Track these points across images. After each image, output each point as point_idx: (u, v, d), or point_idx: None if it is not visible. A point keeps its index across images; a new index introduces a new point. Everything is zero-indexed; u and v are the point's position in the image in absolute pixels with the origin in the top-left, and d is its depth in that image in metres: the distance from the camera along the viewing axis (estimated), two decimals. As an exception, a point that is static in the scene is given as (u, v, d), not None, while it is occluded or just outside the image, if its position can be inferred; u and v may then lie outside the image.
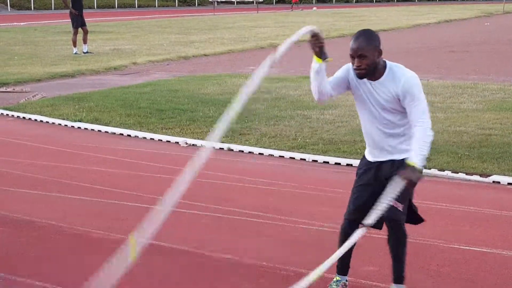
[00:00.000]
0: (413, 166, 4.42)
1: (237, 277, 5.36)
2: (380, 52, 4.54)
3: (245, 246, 6.06)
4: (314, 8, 62.78)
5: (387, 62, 4.63)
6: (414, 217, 4.93)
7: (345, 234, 4.80)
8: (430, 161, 8.76)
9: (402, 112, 4.62)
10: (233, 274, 5.44)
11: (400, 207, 4.64)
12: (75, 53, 23.11)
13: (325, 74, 4.66)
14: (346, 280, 4.97)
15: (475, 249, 5.92)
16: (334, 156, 9.14)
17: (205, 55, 23.52)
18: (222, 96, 14.22)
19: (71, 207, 7.20)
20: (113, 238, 6.18)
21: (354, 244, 4.75)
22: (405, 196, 4.66)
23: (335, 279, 4.96)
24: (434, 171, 8.43)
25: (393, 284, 4.87)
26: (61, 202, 7.38)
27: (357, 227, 4.72)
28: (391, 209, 4.59)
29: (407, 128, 4.66)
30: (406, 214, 4.75)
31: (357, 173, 4.95)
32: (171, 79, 17.31)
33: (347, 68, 4.74)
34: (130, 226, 6.42)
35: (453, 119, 11.41)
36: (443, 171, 8.44)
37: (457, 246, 5.99)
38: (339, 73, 4.77)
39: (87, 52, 23.35)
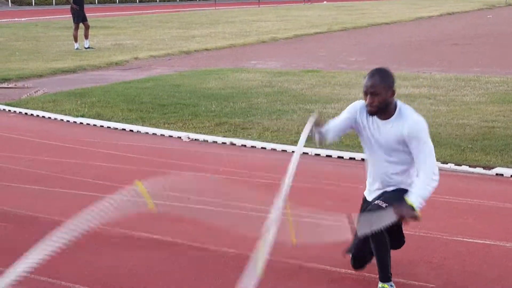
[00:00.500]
0: (411, 205, 4.48)
1: (242, 271, 5.35)
2: (393, 92, 4.65)
3: (247, 240, 6.04)
4: (325, 2, 62.63)
5: (399, 102, 4.73)
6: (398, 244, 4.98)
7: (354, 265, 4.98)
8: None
9: (404, 153, 4.72)
10: (239, 269, 5.42)
11: (383, 204, 4.68)
12: (77, 49, 23.10)
13: (328, 135, 4.95)
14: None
15: (478, 241, 5.90)
16: (337, 150, 9.12)
17: (206, 49, 23.49)
18: (224, 90, 14.20)
19: (73, 203, 7.19)
20: (115, 232, 6.17)
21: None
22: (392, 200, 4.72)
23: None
24: (437, 164, 8.40)
25: (380, 283, 4.83)
26: (64, 198, 7.38)
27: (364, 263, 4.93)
28: (374, 206, 4.71)
29: (408, 171, 4.80)
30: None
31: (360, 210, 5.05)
32: (173, 74, 17.29)
33: (355, 109, 4.85)
34: (132, 221, 6.41)
35: (456, 112, 11.38)
36: (446, 163, 8.43)
37: (461, 239, 5.98)
38: (346, 114, 4.90)
39: (88, 48, 23.33)
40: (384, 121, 4.69)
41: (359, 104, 4.85)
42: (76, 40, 23.25)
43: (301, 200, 7.19)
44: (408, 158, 4.75)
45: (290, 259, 5.50)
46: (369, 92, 4.60)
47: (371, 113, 4.67)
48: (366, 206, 4.89)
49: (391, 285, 4.78)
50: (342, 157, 8.90)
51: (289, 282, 5.13)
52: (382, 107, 4.62)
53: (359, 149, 8.84)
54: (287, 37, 27.55)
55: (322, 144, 4.99)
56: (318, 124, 4.90)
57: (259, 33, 28.84)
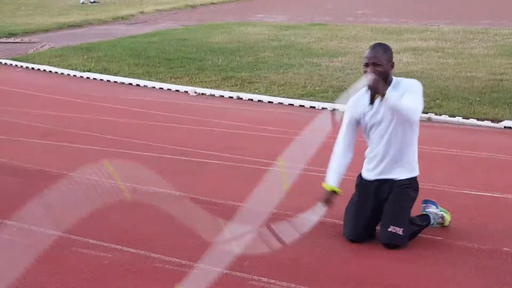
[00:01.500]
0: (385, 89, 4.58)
1: (245, 223, 5.37)
2: (392, 65, 4.79)
3: (255, 194, 6.05)
4: None
5: (394, 77, 4.84)
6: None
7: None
8: (440, 107, 8.73)
9: (411, 126, 4.80)
10: (245, 222, 5.44)
11: (399, 231, 4.75)
12: (82, 3, 22.98)
13: (342, 172, 4.98)
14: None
15: (486, 194, 5.91)
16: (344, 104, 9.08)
17: (212, 3, 23.35)
18: (231, 44, 14.13)
19: (81, 157, 7.21)
20: (123, 186, 6.18)
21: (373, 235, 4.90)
22: (405, 218, 4.80)
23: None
24: (445, 117, 8.39)
25: None
26: (71, 152, 7.39)
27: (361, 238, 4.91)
28: (390, 235, 4.76)
29: (411, 140, 4.86)
30: (408, 235, 4.84)
31: (356, 191, 5.06)
32: (179, 28, 17.20)
33: (349, 109, 4.95)
34: (140, 175, 6.43)
35: (464, 64, 11.32)
36: (454, 117, 8.40)
37: (468, 192, 5.98)
38: (346, 119, 4.98)
39: (94, 2, 23.20)
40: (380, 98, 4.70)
41: (351, 102, 4.95)
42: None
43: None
44: (412, 136, 4.85)
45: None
46: (371, 62, 4.68)
47: (377, 91, 4.67)
48: (366, 189, 4.96)
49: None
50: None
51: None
52: (382, 78, 4.67)
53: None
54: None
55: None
56: (329, 201, 4.95)
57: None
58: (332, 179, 4.95)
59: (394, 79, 4.81)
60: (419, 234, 4.94)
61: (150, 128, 8.33)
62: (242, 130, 8.18)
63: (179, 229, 5.19)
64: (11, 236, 5.10)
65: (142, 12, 20.62)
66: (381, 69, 4.66)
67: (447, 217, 5.13)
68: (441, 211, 5.12)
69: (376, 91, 4.64)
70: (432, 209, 5.12)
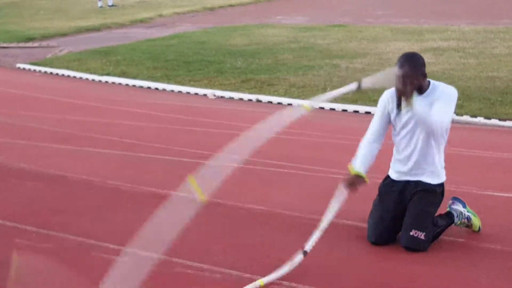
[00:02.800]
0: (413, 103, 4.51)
1: (268, 227, 5.33)
2: (425, 76, 4.66)
3: (275, 196, 6.02)
4: None
5: (431, 81, 4.75)
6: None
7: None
8: (462, 108, 8.65)
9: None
10: (264, 224, 5.41)
11: (421, 235, 4.69)
12: (101, 7, 23.05)
13: (368, 162, 4.86)
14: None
15: (508, 195, 5.84)
16: (364, 105, 9.03)
17: (231, 5, 23.35)
18: (250, 47, 14.10)
19: (101, 161, 7.20)
20: (142, 191, 6.17)
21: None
22: (427, 222, 4.75)
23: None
24: (466, 118, 8.32)
25: None
26: (91, 157, 7.39)
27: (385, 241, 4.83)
28: (411, 239, 4.70)
29: (439, 146, 4.82)
30: (431, 238, 4.80)
31: (379, 191, 5.00)
32: (198, 31, 17.20)
33: (384, 102, 4.85)
34: (159, 179, 6.41)
35: (485, 64, 11.22)
36: (476, 117, 8.33)
37: (491, 193, 5.91)
38: (378, 112, 4.89)
39: (112, 5, 23.27)
40: (418, 97, 4.63)
41: (386, 95, 4.86)
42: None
43: (328, 156, 7.15)
44: (438, 139, 4.77)
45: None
46: (402, 81, 4.56)
47: (406, 97, 4.60)
48: (390, 187, 4.92)
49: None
50: (370, 113, 8.81)
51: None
52: (415, 91, 4.61)
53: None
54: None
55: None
56: (353, 186, 4.79)
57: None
58: (358, 164, 4.83)
59: (432, 84, 4.71)
60: (442, 236, 4.89)
61: (169, 132, 8.31)
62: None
63: (200, 233, 5.16)
64: (30, 241, 5.09)
65: (160, 15, 20.65)
66: (412, 86, 4.56)
67: (476, 221, 5.03)
68: (468, 211, 5.04)
69: (404, 95, 4.58)
70: (458, 207, 5.05)
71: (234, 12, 21.72)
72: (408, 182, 4.85)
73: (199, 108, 9.50)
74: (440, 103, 4.60)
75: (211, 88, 10.59)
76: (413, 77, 4.55)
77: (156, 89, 10.86)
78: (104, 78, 11.68)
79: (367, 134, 4.94)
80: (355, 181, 4.79)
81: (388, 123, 4.90)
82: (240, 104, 9.70)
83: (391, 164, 5.00)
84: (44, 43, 16.02)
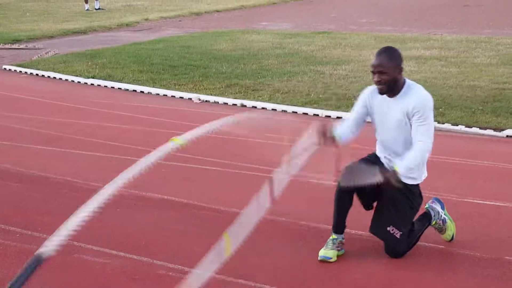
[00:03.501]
0: (396, 172, 4.52)
1: (252, 232, 5.39)
2: (400, 70, 4.68)
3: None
4: None
5: (407, 80, 4.76)
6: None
7: (339, 199, 4.87)
8: (443, 116, 8.74)
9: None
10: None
11: (397, 234, 4.75)
12: (87, 10, 23.04)
13: (343, 137, 4.85)
14: (343, 238, 4.96)
15: (489, 203, 5.92)
16: (348, 112, 9.10)
17: (217, 11, 23.39)
18: (235, 52, 14.16)
19: (85, 163, 7.24)
20: (126, 193, 6.21)
21: (349, 208, 4.83)
22: (405, 223, 4.79)
23: (331, 237, 4.94)
24: (447, 126, 8.41)
25: None
26: (75, 158, 7.42)
27: (351, 194, 4.83)
28: (388, 234, 4.76)
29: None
30: (408, 244, 4.85)
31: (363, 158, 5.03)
32: (184, 35, 17.25)
33: (365, 96, 4.87)
34: (143, 181, 6.45)
35: (467, 73, 11.34)
36: (457, 125, 8.42)
37: (471, 200, 5.99)
38: (359, 104, 4.90)
39: (99, 9, 23.27)
40: (393, 99, 4.71)
41: (368, 90, 4.90)
42: (86, 1, 23.18)
43: (311, 161, 7.21)
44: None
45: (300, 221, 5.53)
46: (377, 71, 4.63)
47: (380, 91, 4.70)
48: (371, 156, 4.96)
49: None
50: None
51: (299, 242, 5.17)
52: (390, 85, 4.66)
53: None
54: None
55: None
56: (323, 133, 4.79)
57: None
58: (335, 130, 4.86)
59: (407, 85, 4.72)
60: (422, 242, 4.95)
61: (154, 135, 8.35)
62: (244, 137, 8.20)
63: (182, 235, 5.21)
64: (14, 242, 5.12)
65: (146, 19, 20.67)
66: (387, 77, 4.61)
67: (451, 226, 5.08)
68: (445, 214, 5.11)
69: (381, 92, 4.65)
70: (436, 207, 5.11)
71: (220, 17, 21.78)
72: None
73: (183, 112, 9.55)
74: (418, 129, 4.61)
75: (196, 92, 10.64)
76: (389, 67, 4.58)
77: (142, 92, 10.90)
78: (89, 81, 11.70)
79: (344, 122, 4.97)
80: (325, 131, 4.78)
81: (365, 119, 4.92)
82: (225, 109, 9.75)
83: (377, 146, 5.02)
84: (30, 45, 16.02)
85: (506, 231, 5.31)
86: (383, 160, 4.94)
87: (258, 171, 6.86)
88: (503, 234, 5.26)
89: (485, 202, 5.93)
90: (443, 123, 8.47)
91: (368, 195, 4.85)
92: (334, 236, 4.93)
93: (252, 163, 7.10)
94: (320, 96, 10.08)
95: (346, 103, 9.57)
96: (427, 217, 5.02)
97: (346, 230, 4.94)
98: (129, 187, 6.18)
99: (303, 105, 9.64)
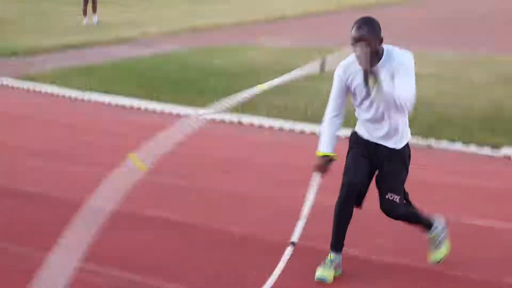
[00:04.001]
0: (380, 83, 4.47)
1: (248, 249, 5.39)
2: (381, 40, 4.66)
3: (256, 218, 6.08)
4: None
5: (385, 46, 4.73)
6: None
7: (340, 208, 4.89)
8: (440, 134, 8.75)
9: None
10: (245, 247, 5.46)
11: (396, 198, 4.78)
12: (86, 24, 23.05)
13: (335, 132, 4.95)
14: (340, 258, 4.95)
15: (484, 222, 5.92)
16: (345, 129, 9.10)
17: (215, 26, 23.41)
18: (233, 68, 14.19)
19: (84, 179, 7.23)
20: (120, 209, 6.20)
21: (348, 223, 4.86)
22: (401, 187, 4.83)
23: (329, 257, 4.94)
24: (444, 144, 8.42)
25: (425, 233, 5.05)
26: (72, 174, 7.41)
27: (353, 200, 4.85)
28: (387, 202, 4.78)
29: (402, 111, 4.70)
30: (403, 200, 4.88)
31: (350, 145, 5.02)
32: (182, 51, 17.27)
33: (340, 76, 4.88)
34: (138, 198, 6.44)
35: (464, 91, 11.36)
36: (454, 144, 8.42)
37: (468, 220, 5.99)
38: (335, 86, 4.96)
39: (97, 23, 23.28)
40: (373, 68, 4.60)
41: (340, 68, 4.87)
42: (85, 15, 23.19)
43: (309, 179, 7.22)
44: (401, 110, 4.70)
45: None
46: (357, 43, 4.58)
47: (370, 71, 4.60)
48: (361, 141, 4.95)
49: None
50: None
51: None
52: (371, 57, 4.58)
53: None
54: (296, 15, 27.42)
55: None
56: (322, 168, 4.92)
57: (268, 10, 28.72)
58: (323, 146, 4.91)
59: (386, 50, 4.69)
60: (417, 264, 4.94)
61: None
62: (242, 153, 8.20)
63: (176, 255, 5.20)
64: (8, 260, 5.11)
65: (145, 34, 20.67)
66: (368, 49, 4.55)
67: (444, 249, 5.08)
68: (444, 237, 5.10)
69: (365, 65, 4.59)
70: (440, 223, 5.10)
71: (218, 33, 21.80)
72: (378, 144, 4.87)
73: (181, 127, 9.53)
74: (402, 78, 4.58)
75: (194, 107, 10.64)
76: (371, 39, 4.56)
77: (139, 107, 10.90)
78: (87, 96, 11.70)
79: (326, 113, 4.99)
80: (323, 163, 4.87)
81: (346, 96, 4.91)
82: (222, 124, 9.76)
83: (358, 123, 5.01)
84: (28, 59, 16.02)
85: (504, 252, 5.31)
86: (368, 138, 4.91)
87: (254, 189, 6.86)
88: (502, 255, 5.26)
89: (481, 222, 5.93)
90: (440, 142, 8.47)
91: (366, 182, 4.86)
92: (331, 256, 4.93)
93: (252, 180, 7.09)
94: (318, 113, 10.08)
95: (343, 120, 9.55)
96: (429, 221, 5.03)
97: (344, 248, 4.93)
98: (122, 203, 6.18)
99: (301, 121, 9.63)
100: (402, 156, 4.84)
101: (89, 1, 23.22)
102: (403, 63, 4.63)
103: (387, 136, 4.83)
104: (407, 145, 4.88)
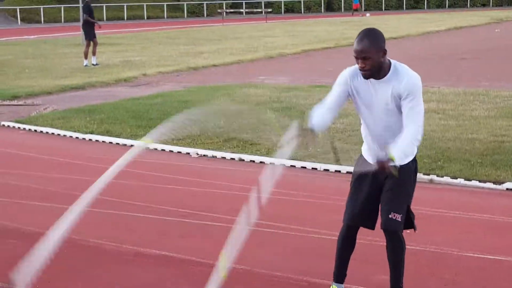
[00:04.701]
0: (391, 159, 4.39)
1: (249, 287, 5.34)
2: (384, 52, 4.54)
3: (257, 256, 6.03)
4: (368, 15, 63.61)
5: (392, 61, 4.63)
6: (410, 223, 4.88)
7: (343, 240, 4.87)
8: (442, 169, 8.73)
9: (400, 110, 4.61)
10: (246, 285, 5.41)
11: (398, 217, 4.66)
12: (85, 65, 23.19)
13: (320, 127, 4.81)
14: None
15: (489, 257, 5.87)
16: (346, 165, 9.10)
17: (214, 65, 23.53)
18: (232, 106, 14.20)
19: (83, 220, 7.18)
20: (125, 249, 6.17)
21: (351, 253, 4.80)
22: (404, 205, 4.70)
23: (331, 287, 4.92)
24: (447, 179, 8.39)
25: None
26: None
27: (355, 233, 4.83)
28: (389, 220, 4.65)
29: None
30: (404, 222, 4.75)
31: (353, 174, 4.96)
32: (181, 90, 17.33)
33: (346, 78, 4.74)
34: (142, 237, 6.41)
35: (465, 126, 11.36)
36: (456, 178, 8.40)
37: (472, 254, 5.95)
38: (338, 88, 4.78)
39: (96, 64, 23.42)
40: (379, 81, 4.57)
41: (348, 72, 4.75)
42: (86, 57, 23.34)
43: (310, 216, 7.18)
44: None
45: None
46: (360, 57, 4.50)
47: (365, 77, 4.56)
48: (364, 167, 4.85)
49: None
50: (351, 172, 8.87)
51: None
52: (375, 69, 4.52)
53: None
54: (295, 52, 27.60)
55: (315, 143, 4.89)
56: (304, 133, 4.79)
57: (267, 49, 28.91)
58: (311, 122, 4.79)
59: (393, 65, 4.59)
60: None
61: (151, 190, 8.33)
62: (243, 191, 8.17)
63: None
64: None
65: (144, 74, 20.77)
66: (371, 62, 4.47)
67: None
68: None
69: (367, 76, 4.55)
70: None
71: (217, 71, 21.91)
72: None
73: (181, 167, 9.53)
74: (411, 115, 4.52)
75: (194, 146, 10.64)
76: (373, 51, 4.46)
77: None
78: (87, 136, 11.71)
79: (321, 104, 4.85)
80: (307, 131, 4.77)
81: (345, 101, 4.80)
82: (223, 163, 9.75)
83: (363, 144, 4.96)
84: (29, 101, 16.06)
85: (508, 286, 5.26)
86: (371, 159, 4.84)
87: (260, 226, 6.81)
88: (508, 289, 5.21)
89: (486, 256, 5.89)
90: (442, 176, 8.45)
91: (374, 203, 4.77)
92: (334, 286, 4.89)
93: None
94: (319, 149, 10.08)
95: (344, 156, 9.55)
96: (401, 279, 4.89)
97: (344, 285, 4.88)
98: (126, 243, 6.14)
99: (301, 158, 9.62)
100: (407, 172, 4.68)
101: (90, 44, 23.40)
102: (412, 90, 4.53)
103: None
104: (412, 161, 4.74)
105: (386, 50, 4.54)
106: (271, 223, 6.90)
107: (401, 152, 4.46)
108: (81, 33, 26.66)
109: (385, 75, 4.57)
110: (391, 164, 4.37)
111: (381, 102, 4.61)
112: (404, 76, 4.55)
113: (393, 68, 4.58)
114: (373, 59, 4.47)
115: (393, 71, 4.57)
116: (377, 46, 4.49)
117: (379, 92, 4.60)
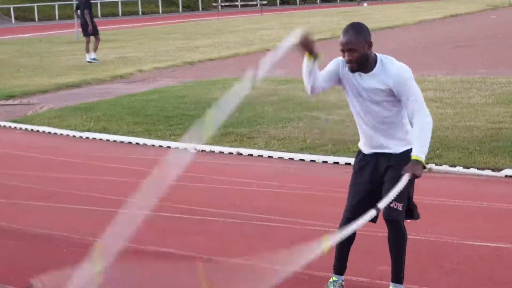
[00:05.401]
0: (416, 160, 4.46)
1: (251, 281, 5.32)
2: (370, 45, 4.58)
3: (258, 249, 6.02)
4: (365, 4, 63.71)
5: (378, 54, 4.67)
6: (411, 213, 4.88)
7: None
8: (440, 157, 8.72)
9: (392, 102, 4.65)
10: (248, 278, 5.39)
11: (399, 207, 4.65)
12: (89, 61, 23.14)
13: (318, 70, 4.78)
14: (343, 280, 4.93)
15: (489, 244, 5.86)
16: (344, 156, 9.09)
17: (210, 59, 23.49)
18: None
19: (82, 218, 7.18)
20: (124, 247, 6.14)
21: (351, 245, 4.79)
22: (404, 195, 4.68)
23: (331, 279, 4.91)
24: (445, 167, 8.38)
25: (391, 284, 4.84)
26: (71, 214, 7.36)
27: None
28: (390, 210, 4.63)
29: (398, 119, 4.71)
30: (405, 212, 4.73)
31: (354, 168, 4.96)
32: (178, 85, 17.29)
33: (338, 62, 4.78)
34: (141, 235, 6.38)
35: (463, 114, 11.35)
36: (455, 167, 8.39)
37: (472, 243, 5.94)
38: (330, 66, 4.83)
39: (92, 60, 23.34)
40: (367, 74, 4.61)
41: (341, 59, 4.76)
42: (88, 51, 23.26)
43: (309, 208, 7.17)
44: (396, 102, 4.67)
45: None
46: (346, 49, 4.55)
47: (352, 69, 4.61)
48: (363, 161, 4.88)
49: None
50: (350, 164, 8.85)
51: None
52: (361, 62, 4.56)
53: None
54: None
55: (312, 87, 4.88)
56: (307, 39, 4.70)
57: (263, 41, 28.84)
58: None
59: (379, 59, 4.62)
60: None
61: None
62: (243, 185, 8.16)
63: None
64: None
65: (140, 71, 20.72)
66: (357, 54, 4.52)
67: None
68: None
69: (353, 70, 4.60)
70: None
71: (213, 66, 21.87)
72: (379, 154, 4.79)
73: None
74: (413, 106, 4.56)
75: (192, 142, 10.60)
76: (358, 43, 4.50)
77: (137, 144, 10.88)
78: (84, 134, 11.68)
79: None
80: (310, 40, 4.70)
81: (335, 81, 4.82)
82: (221, 157, 9.73)
83: (360, 136, 4.96)
84: (24, 101, 16.02)
85: (507, 273, 5.25)
86: (369, 150, 4.85)
87: (260, 219, 6.80)
88: (505, 277, 5.20)
89: (485, 244, 5.88)
90: (441, 165, 8.44)
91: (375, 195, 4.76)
92: (334, 278, 4.88)
93: (253, 212, 7.04)
94: (317, 141, 10.07)
95: (342, 147, 9.55)
96: (402, 272, 4.88)
97: (346, 277, 4.87)
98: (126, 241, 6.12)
99: (300, 151, 9.61)
100: (405, 160, 4.64)
101: (90, 40, 23.27)
102: (401, 81, 4.56)
103: (385, 140, 4.75)
104: (410, 149, 4.69)
105: (371, 43, 4.58)
106: (271, 217, 6.89)
107: (422, 146, 4.52)
108: (75, 30, 26.54)
109: (372, 69, 4.62)
110: (419, 165, 4.46)
111: (367, 95, 4.67)
112: (392, 70, 4.60)
113: (380, 62, 4.62)
114: (358, 51, 4.52)
115: (380, 65, 4.62)
116: (362, 38, 4.54)
117: (367, 84, 4.65)
